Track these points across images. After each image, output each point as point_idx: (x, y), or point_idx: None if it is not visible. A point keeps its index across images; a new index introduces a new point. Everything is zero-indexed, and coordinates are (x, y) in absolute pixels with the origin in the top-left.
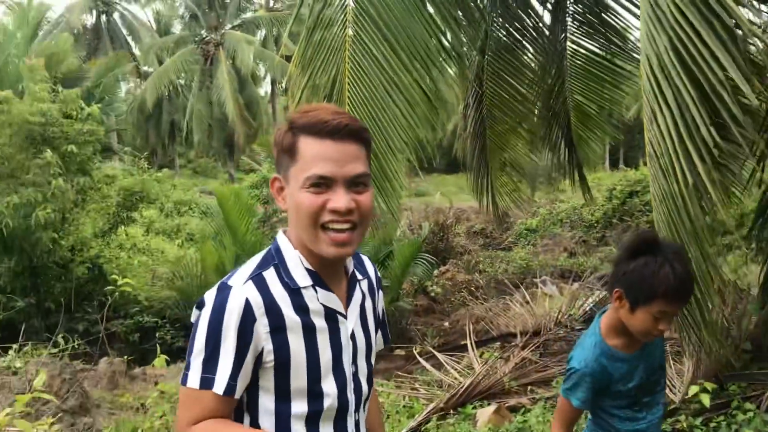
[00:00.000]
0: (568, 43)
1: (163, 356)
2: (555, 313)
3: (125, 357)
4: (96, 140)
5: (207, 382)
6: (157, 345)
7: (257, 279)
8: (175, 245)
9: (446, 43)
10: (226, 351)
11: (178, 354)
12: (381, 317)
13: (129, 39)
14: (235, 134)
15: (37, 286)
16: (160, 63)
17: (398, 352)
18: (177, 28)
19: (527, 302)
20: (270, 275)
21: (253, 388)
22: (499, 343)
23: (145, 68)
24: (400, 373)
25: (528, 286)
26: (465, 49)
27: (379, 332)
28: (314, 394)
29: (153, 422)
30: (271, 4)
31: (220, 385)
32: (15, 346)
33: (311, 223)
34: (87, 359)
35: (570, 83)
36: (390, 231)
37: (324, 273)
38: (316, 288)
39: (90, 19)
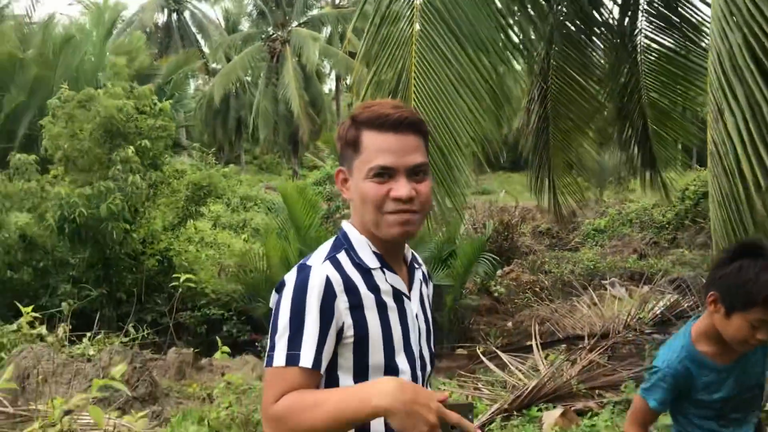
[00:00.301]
0: (642, 38)
1: (225, 348)
2: (624, 316)
3: (192, 348)
4: (167, 135)
5: (293, 359)
6: (217, 338)
7: (333, 260)
8: (240, 240)
9: (514, 38)
10: (310, 326)
11: (243, 347)
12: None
13: (198, 37)
14: (300, 131)
15: (109, 277)
16: (228, 60)
17: (461, 351)
18: (245, 26)
19: (594, 304)
20: (343, 257)
21: (331, 368)
22: (565, 345)
23: (214, 65)
24: (462, 372)
25: (595, 287)
26: (531, 43)
27: None
28: (391, 369)
29: (219, 413)
30: (337, 1)
31: (307, 359)
32: (89, 334)
33: (376, 210)
34: (156, 349)
35: (645, 80)
36: (454, 229)
37: (388, 257)
38: (384, 270)
39: (162, 18)
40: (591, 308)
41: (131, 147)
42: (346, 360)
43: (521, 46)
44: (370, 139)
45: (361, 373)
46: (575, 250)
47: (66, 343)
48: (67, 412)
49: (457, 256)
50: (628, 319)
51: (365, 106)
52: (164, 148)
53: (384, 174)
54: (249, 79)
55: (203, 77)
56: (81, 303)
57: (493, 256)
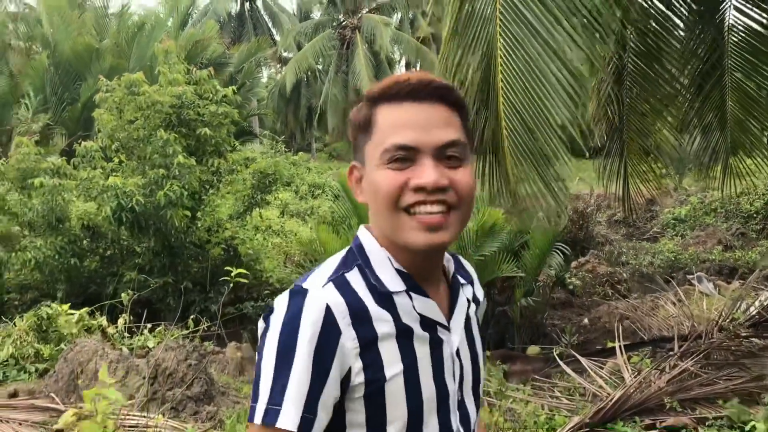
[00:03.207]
0: (731, 13)
1: None
2: (716, 317)
3: (249, 343)
4: (230, 122)
5: (271, 416)
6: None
7: (339, 281)
8: (308, 228)
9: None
10: (298, 374)
11: None
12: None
13: (270, 25)
14: None
15: (175, 266)
16: (299, 48)
17: (533, 349)
18: (317, 14)
19: (680, 301)
20: (354, 277)
21: (338, 426)
22: (650, 348)
23: (285, 54)
24: (537, 377)
25: (679, 282)
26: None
27: None
28: (415, 425)
29: None
30: None
31: (288, 419)
32: (149, 325)
33: (391, 207)
34: (219, 341)
35: (729, 60)
36: (527, 219)
37: (418, 274)
38: (411, 294)
39: (235, 7)
40: (676, 305)
41: (161, 130)
42: (357, 415)
43: (617, 16)
44: (385, 114)
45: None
46: (654, 240)
47: (126, 334)
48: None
49: (529, 248)
50: (721, 320)
51: (382, 83)
52: (227, 135)
53: (403, 158)
54: (320, 67)
55: (276, 66)
56: (145, 292)
57: (565, 247)
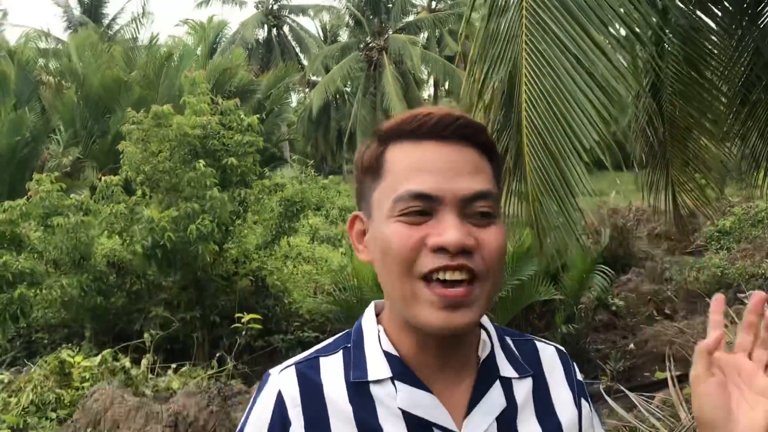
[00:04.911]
0: None
1: None
2: None
3: None
4: (255, 151)
5: None
6: None
7: (304, 366)
8: (339, 253)
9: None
10: None
11: None
12: None
13: (298, 50)
14: None
15: (202, 300)
16: (327, 71)
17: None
18: (344, 37)
19: (732, 323)
20: (331, 362)
21: None
22: None
23: (314, 78)
24: None
25: (730, 301)
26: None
27: None
28: None
29: None
30: (433, 6)
31: None
32: (173, 366)
33: (404, 271)
34: (246, 379)
35: None
36: (564, 240)
37: (424, 360)
38: (396, 381)
39: (262, 34)
40: (729, 328)
41: (201, 161)
42: None
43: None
44: (399, 154)
45: None
46: (697, 254)
47: (150, 375)
48: None
49: (568, 269)
50: None
51: (394, 119)
52: (252, 164)
53: (419, 211)
54: (348, 89)
55: (304, 91)
56: (170, 331)
57: (606, 268)
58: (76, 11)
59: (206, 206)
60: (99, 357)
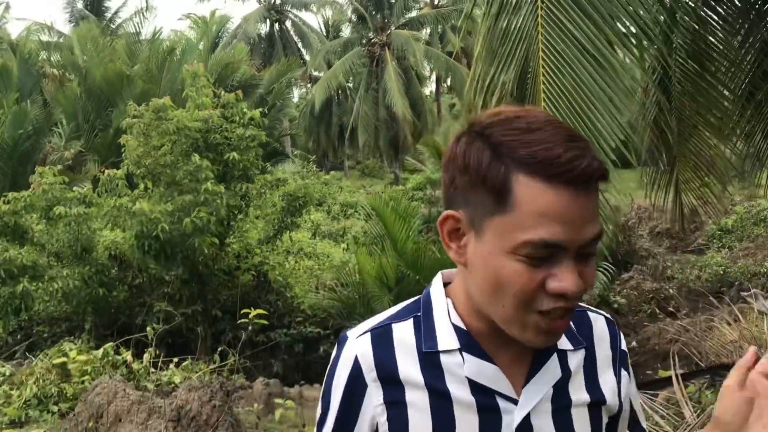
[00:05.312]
0: None
1: (290, 403)
2: None
3: (276, 379)
4: (257, 145)
5: None
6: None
7: (379, 332)
8: (340, 249)
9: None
10: (331, 419)
11: None
12: (631, 416)
13: (300, 45)
14: (401, 134)
15: (204, 294)
16: (329, 67)
17: None
18: (346, 32)
19: (735, 320)
20: (402, 329)
21: None
22: (708, 377)
23: (316, 73)
24: None
25: (732, 298)
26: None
27: None
28: None
29: None
30: (436, 2)
31: None
32: (175, 360)
33: (520, 307)
34: (248, 374)
35: None
36: None
37: (489, 334)
38: (463, 353)
39: (264, 28)
40: (733, 326)
41: (196, 155)
42: None
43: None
44: (531, 193)
45: None
46: (699, 252)
47: (152, 369)
48: None
49: None
50: None
51: (513, 127)
52: (255, 158)
53: (545, 257)
54: (351, 85)
55: (306, 86)
56: (173, 325)
57: (609, 265)
58: (79, 4)
59: (200, 199)
60: (101, 350)
